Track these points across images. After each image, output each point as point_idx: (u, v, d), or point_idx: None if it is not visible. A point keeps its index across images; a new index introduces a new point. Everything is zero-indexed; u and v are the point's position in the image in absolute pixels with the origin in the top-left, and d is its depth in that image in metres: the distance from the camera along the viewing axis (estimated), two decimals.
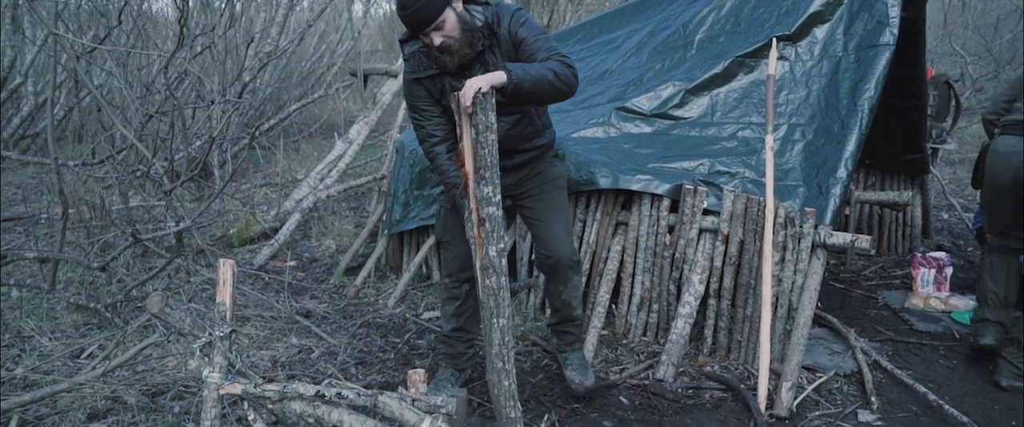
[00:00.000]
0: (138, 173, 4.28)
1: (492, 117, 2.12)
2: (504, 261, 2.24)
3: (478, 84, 2.11)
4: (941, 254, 4.23)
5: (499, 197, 2.20)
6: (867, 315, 4.01)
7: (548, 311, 3.18)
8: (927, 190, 5.14)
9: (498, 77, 2.20)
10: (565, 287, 2.80)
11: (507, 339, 2.25)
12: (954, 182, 7.42)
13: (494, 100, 2.12)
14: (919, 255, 4.26)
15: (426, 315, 3.88)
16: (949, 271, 4.17)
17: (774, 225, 3.08)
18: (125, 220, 4.58)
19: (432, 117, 2.57)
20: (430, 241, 4.22)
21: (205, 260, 4.50)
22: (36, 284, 3.78)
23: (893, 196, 4.43)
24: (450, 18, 2.35)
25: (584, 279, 3.52)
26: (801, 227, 3.07)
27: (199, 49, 5.62)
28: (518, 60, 2.46)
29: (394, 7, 2.32)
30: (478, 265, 2.26)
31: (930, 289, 4.18)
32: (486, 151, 2.13)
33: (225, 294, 2.10)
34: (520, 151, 2.68)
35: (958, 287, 4.26)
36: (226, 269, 2.10)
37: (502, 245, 2.22)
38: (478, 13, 2.45)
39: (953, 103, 5.29)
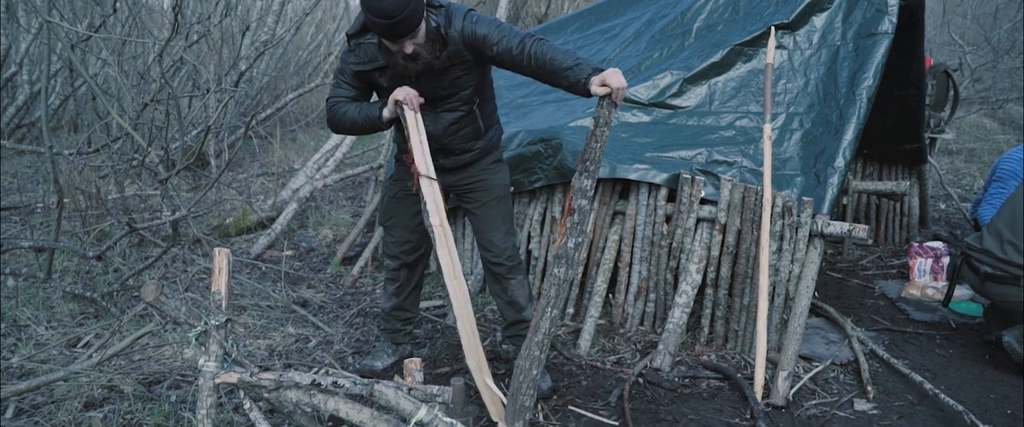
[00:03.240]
0: (134, 162, 4.25)
1: (611, 116, 2.24)
2: (579, 254, 2.28)
3: (622, 83, 2.19)
4: (938, 244, 4.24)
5: (592, 192, 2.28)
6: (864, 304, 4.01)
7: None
8: (925, 180, 5.14)
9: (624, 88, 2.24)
10: (509, 284, 2.88)
11: (551, 330, 2.27)
12: (952, 172, 7.42)
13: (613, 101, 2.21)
14: (916, 245, 4.27)
15: (423, 304, 3.87)
16: (946, 261, 4.17)
17: (771, 214, 3.08)
18: (121, 209, 4.57)
19: (352, 89, 2.61)
20: None
21: (201, 249, 4.49)
22: (32, 273, 3.76)
23: (891, 186, 4.43)
24: (421, 27, 2.38)
25: (581, 269, 3.52)
26: (798, 216, 3.07)
27: (195, 37, 5.57)
28: (478, 58, 2.50)
29: (374, 17, 2.27)
30: (554, 253, 2.31)
31: (927, 279, 4.18)
32: (598, 145, 2.21)
33: (221, 283, 2.10)
34: (459, 151, 2.71)
35: None
36: (221, 258, 2.09)
37: (581, 239, 2.28)
38: (433, 16, 2.45)
39: (951, 93, 5.27)
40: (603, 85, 2.20)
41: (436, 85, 2.54)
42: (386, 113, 2.52)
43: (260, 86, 8.20)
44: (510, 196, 2.92)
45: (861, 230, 2.98)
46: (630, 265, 3.49)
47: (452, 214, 4.11)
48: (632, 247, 3.46)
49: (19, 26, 7.10)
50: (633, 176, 3.32)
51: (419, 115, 2.52)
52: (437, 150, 2.63)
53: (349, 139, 5.51)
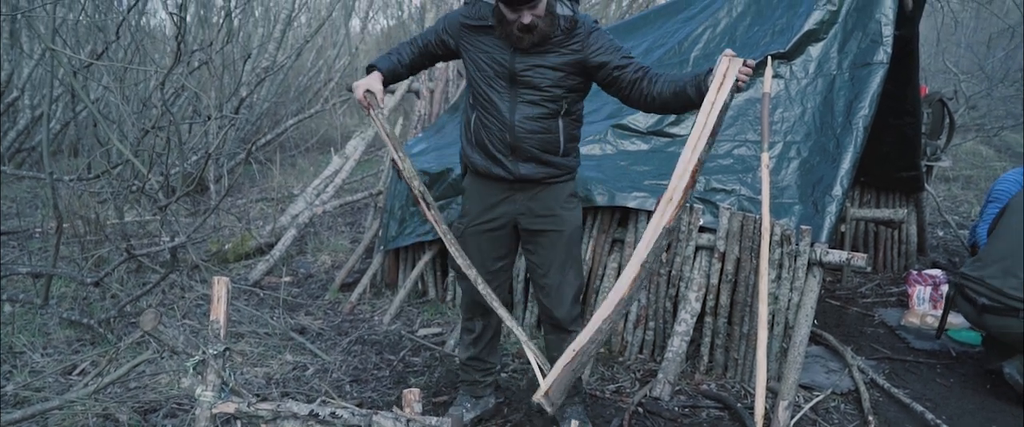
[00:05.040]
0: (133, 188, 4.26)
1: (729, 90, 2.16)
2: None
3: (745, 70, 2.14)
4: (937, 272, 4.24)
5: (708, 154, 2.18)
6: (864, 333, 4.00)
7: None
8: (922, 207, 5.15)
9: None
10: (565, 343, 2.62)
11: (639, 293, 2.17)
12: (949, 199, 7.45)
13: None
14: (915, 272, 4.27)
15: (421, 332, 3.86)
16: (945, 289, 4.16)
17: (770, 243, 3.08)
18: (120, 235, 4.57)
19: (427, 40, 2.62)
20: (426, 257, 4.21)
21: (200, 276, 4.48)
22: (29, 299, 3.75)
23: (888, 213, 4.44)
24: (544, 1, 2.33)
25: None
26: (797, 245, 3.07)
27: (197, 64, 5.62)
28: (585, 70, 2.45)
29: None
30: (665, 227, 2.12)
31: (926, 307, 4.17)
32: (723, 114, 2.15)
33: (219, 311, 2.09)
34: (526, 156, 2.49)
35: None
36: (220, 286, 2.09)
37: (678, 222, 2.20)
38: (567, 6, 2.42)
39: (947, 121, 5.32)
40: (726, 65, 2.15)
41: (533, 66, 2.42)
42: (355, 94, 2.53)
43: (260, 112, 8.25)
44: (581, 243, 2.74)
45: (860, 259, 2.98)
46: None
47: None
48: None
49: (22, 52, 7.16)
50: (632, 204, 3.33)
51: (377, 117, 2.50)
52: (505, 146, 2.49)
53: (348, 165, 5.53)
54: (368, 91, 2.51)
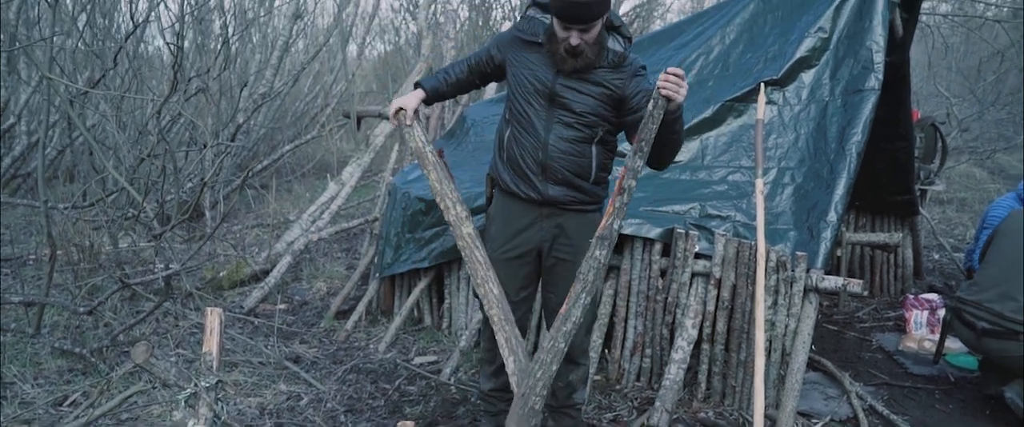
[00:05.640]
0: (128, 216, 4.25)
1: (661, 115, 2.14)
2: (617, 235, 2.18)
3: (675, 90, 2.09)
4: (934, 296, 4.24)
5: (643, 172, 2.19)
6: (862, 358, 3.99)
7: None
8: (917, 231, 5.16)
9: (684, 96, 2.16)
10: (572, 373, 2.68)
11: (581, 320, 2.16)
12: (944, 221, 7.47)
13: (665, 106, 2.15)
14: (911, 297, 4.26)
15: (417, 360, 3.84)
16: (942, 313, 4.16)
17: (766, 269, 3.08)
18: (114, 262, 4.55)
19: (478, 59, 2.69)
20: (422, 285, 4.19)
21: (194, 303, 4.45)
22: (21, 328, 3.72)
23: (884, 237, 4.45)
24: (598, 27, 2.34)
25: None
26: (793, 271, 3.07)
27: (194, 90, 5.64)
28: (618, 106, 2.45)
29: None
30: (598, 234, 2.15)
31: (924, 331, 4.17)
32: (653, 126, 2.13)
33: (212, 344, 2.07)
34: (556, 178, 2.48)
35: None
36: (213, 318, 2.07)
37: (622, 225, 2.20)
38: (619, 41, 2.45)
39: (940, 145, 5.35)
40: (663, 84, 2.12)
41: (572, 89, 2.43)
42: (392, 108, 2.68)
43: (257, 137, 8.26)
44: (599, 280, 2.75)
45: (855, 285, 2.98)
46: (625, 320, 3.47)
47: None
48: (627, 302, 3.45)
49: (19, 78, 7.18)
50: (627, 231, 3.33)
51: (413, 130, 2.63)
52: (537, 164, 2.48)
53: (344, 192, 5.53)
54: (400, 109, 2.66)
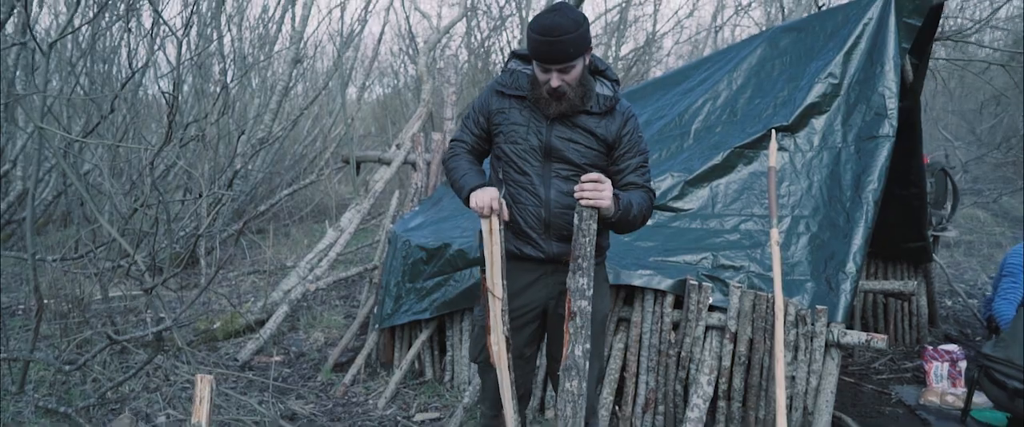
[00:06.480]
0: (119, 267, 4.12)
1: (594, 226, 2.12)
2: (587, 363, 2.09)
3: (596, 196, 2.08)
4: (953, 347, 4.09)
5: (591, 290, 2.12)
6: (882, 413, 3.82)
7: None
8: (931, 278, 5.04)
9: (608, 200, 2.13)
10: None
11: None
12: (952, 266, 7.35)
13: (595, 216, 2.13)
14: (931, 348, 4.12)
15: (419, 417, 3.67)
16: (963, 365, 4.01)
17: (785, 323, 2.95)
18: (104, 314, 4.39)
19: (473, 133, 2.50)
20: (423, 336, 4.04)
21: (186, 357, 4.29)
22: (4, 386, 3.55)
23: (899, 285, 4.33)
24: (579, 67, 2.26)
25: None
26: (813, 325, 2.94)
27: (192, 134, 5.57)
28: (606, 153, 2.38)
29: (535, 33, 2.18)
30: (562, 366, 2.10)
31: (945, 384, 4.01)
32: (586, 240, 2.08)
33: (201, 413, 1.93)
34: (564, 238, 2.37)
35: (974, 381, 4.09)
36: (204, 385, 1.94)
37: (588, 345, 2.09)
38: (607, 86, 2.37)
39: (950, 189, 5.27)
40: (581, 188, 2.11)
41: (568, 140, 2.34)
42: (473, 203, 2.27)
43: (255, 181, 8.17)
44: (607, 334, 2.62)
45: (880, 340, 2.85)
46: (636, 375, 3.32)
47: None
48: (639, 356, 3.31)
49: (16, 125, 7.12)
50: (638, 282, 3.20)
51: (497, 226, 2.25)
52: (539, 222, 2.39)
53: (342, 239, 5.41)
54: (493, 205, 2.26)
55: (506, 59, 2.51)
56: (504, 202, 2.28)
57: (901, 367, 4.51)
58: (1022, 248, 4.12)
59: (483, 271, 2.30)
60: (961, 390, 3.94)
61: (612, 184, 2.24)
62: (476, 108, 2.50)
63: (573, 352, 2.07)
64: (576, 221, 2.08)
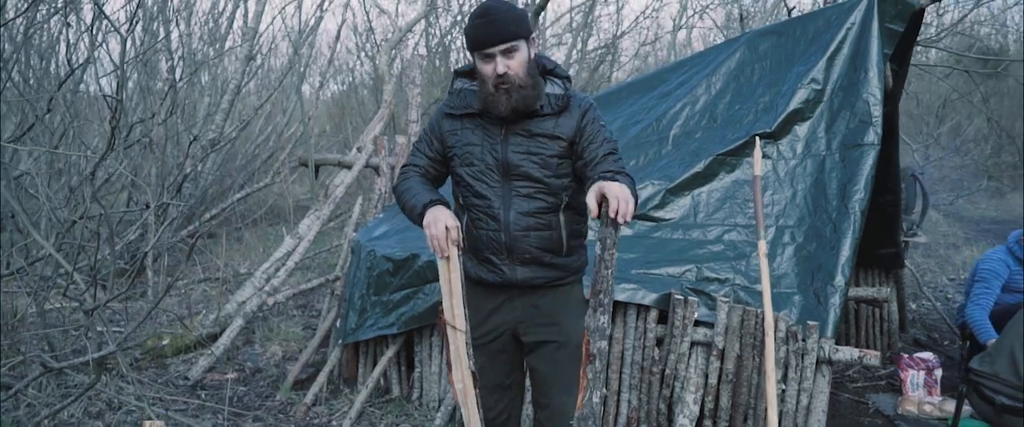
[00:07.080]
0: (56, 287, 3.78)
1: (615, 255, 1.87)
2: (602, 409, 1.88)
3: (627, 199, 1.80)
4: (929, 355, 4.05)
5: (609, 330, 1.90)
6: (861, 423, 3.76)
7: None
8: (902, 284, 5.04)
9: (631, 199, 1.84)
10: None
11: None
12: (913, 268, 7.43)
13: (617, 243, 1.87)
14: (906, 356, 4.07)
15: None
16: (939, 373, 3.98)
17: (775, 340, 2.83)
18: (40, 330, 4.04)
19: (427, 156, 2.29)
20: (390, 352, 3.83)
21: (130, 379, 3.98)
22: None
23: (872, 292, 4.29)
24: (523, 52, 2.08)
25: None
26: (804, 342, 2.83)
27: (138, 136, 5.20)
28: (569, 156, 2.18)
29: (472, 21, 2.06)
30: (577, 414, 1.87)
31: (921, 393, 3.97)
32: (608, 272, 1.84)
33: None
34: (525, 259, 2.19)
35: (949, 389, 4.07)
36: None
37: (605, 390, 1.87)
38: (557, 84, 2.19)
39: (920, 194, 5.28)
40: (602, 197, 1.85)
41: (526, 153, 2.15)
42: (427, 235, 2.04)
43: (205, 185, 7.77)
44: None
45: (873, 357, 2.76)
46: (618, 393, 3.17)
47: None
48: (620, 373, 3.15)
49: None
50: (621, 297, 3.05)
51: (454, 260, 2.03)
52: (500, 246, 2.19)
53: (301, 246, 5.13)
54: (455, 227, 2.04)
55: (450, 79, 2.33)
56: (458, 226, 2.04)
57: (875, 375, 4.47)
58: (995, 253, 4.12)
59: (440, 303, 2.09)
60: (937, 399, 3.91)
61: (586, 179, 2.07)
62: (428, 131, 2.31)
63: (589, 399, 1.85)
64: (598, 250, 1.85)
